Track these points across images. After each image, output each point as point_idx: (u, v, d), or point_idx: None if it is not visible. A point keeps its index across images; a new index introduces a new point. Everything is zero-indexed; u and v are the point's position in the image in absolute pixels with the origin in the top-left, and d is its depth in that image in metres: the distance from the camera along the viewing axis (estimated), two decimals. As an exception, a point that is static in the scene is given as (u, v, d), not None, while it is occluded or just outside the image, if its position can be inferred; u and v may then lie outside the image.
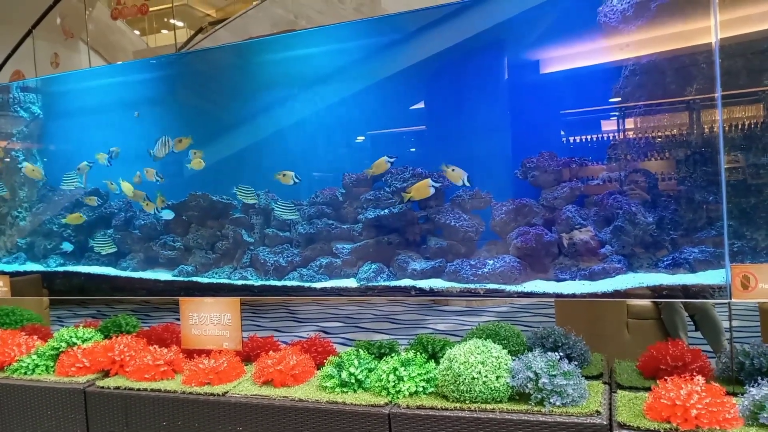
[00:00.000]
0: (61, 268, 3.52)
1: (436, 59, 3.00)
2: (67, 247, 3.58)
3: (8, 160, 3.83)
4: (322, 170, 3.23)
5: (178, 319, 2.73)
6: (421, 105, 3.21)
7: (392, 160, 2.65)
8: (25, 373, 2.61)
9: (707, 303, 3.76)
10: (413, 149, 3.21)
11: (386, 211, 2.90)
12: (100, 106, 3.77)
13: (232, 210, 3.31)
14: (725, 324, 3.83)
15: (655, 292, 2.25)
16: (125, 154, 3.51)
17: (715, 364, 2.05)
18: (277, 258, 3.08)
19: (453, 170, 2.71)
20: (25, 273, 3.48)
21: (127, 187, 3.39)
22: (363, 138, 3.23)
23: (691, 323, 3.90)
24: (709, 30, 2.03)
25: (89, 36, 10.18)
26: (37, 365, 2.62)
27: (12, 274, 3.38)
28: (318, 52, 3.27)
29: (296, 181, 3.00)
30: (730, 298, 1.92)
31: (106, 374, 2.58)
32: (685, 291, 2.20)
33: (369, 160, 3.05)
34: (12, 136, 3.88)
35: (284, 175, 3.05)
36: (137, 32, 12.95)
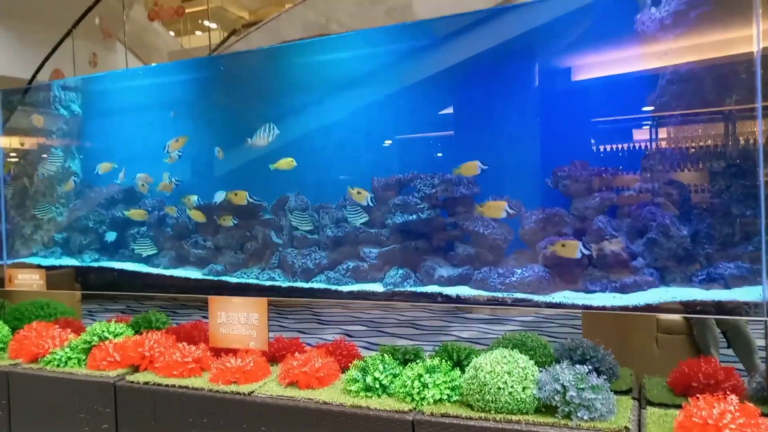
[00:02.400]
0: (95, 264, 3.56)
1: (467, 65, 2.99)
2: (111, 236, 3.64)
3: (47, 156, 3.92)
4: (351, 174, 3.24)
5: (205, 317, 2.75)
6: (450, 110, 3.21)
7: (485, 167, 2.66)
8: (58, 365, 2.68)
9: (741, 320, 3.66)
10: (440, 154, 3.22)
11: (414, 216, 2.90)
12: (136, 105, 3.84)
13: (262, 211, 3.35)
14: (759, 342, 3.73)
15: (688, 307, 2.20)
16: (157, 152, 3.56)
17: (747, 383, 1.98)
18: (305, 260, 3.09)
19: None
20: (60, 267, 3.56)
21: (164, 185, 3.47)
22: (391, 142, 3.24)
23: (723, 340, 3.80)
24: (751, 39, 1.98)
25: (126, 36, 10.44)
26: (69, 358, 2.69)
27: (47, 268, 3.45)
28: (348, 56, 3.29)
29: (251, 200, 3.12)
30: (767, 316, 1.84)
31: (135, 369, 2.63)
32: (719, 307, 2.15)
33: (398, 164, 3.09)
34: (52, 134, 3.98)
35: (236, 194, 3.15)
36: (172, 33, 13.21)
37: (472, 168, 2.67)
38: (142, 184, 3.66)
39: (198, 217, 3.33)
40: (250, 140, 2.95)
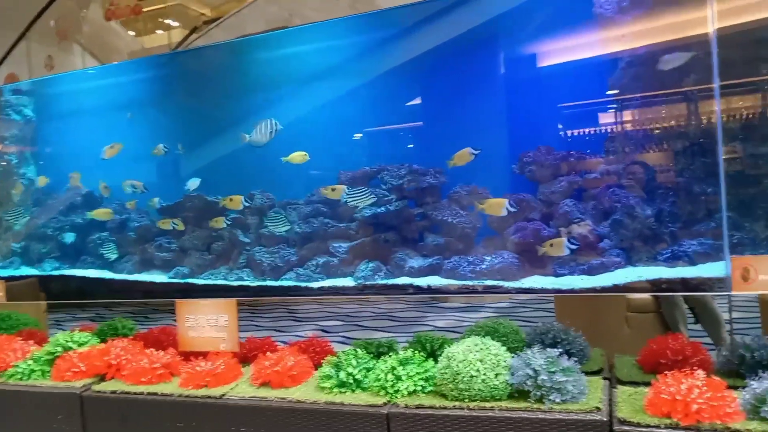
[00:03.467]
0: (56, 272, 3.48)
1: (431, 55, 2.99)
2: (69, 238, 3.53)
3: (4, 163, 3.77)
4: (318, 168, 3.19)
5: (175, 322, 2.71)
6: (417, 101, 3.21)
7: (476, 152, 2.58)
8: (21, 379, 2.59)
9: (707, 296, 3.74)
10: (411, 146, 3.23)
11: (383, 208, 2.91)
12: (93, 107, 3.74)
13: (228, 211, 3.27)
14: (725, 316, 3.81)
15: (655, 285, 2.23)
16: (124, 154, 3.49)
17: (715, 357, 2.03)
18: (274, 258, 3.07)
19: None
20: (19, 278, 3.45)
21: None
22: (360, 135, 3.23)
23: (692, 316, 3.88)
24: (706, 20, 2.02)
25: (84, 38, 10.14)
26: (33, 370, 2.60)
27: (8, 279, 3.35)
28: (312, 49, 3.24)
29: (246, 203, 3.06)
30: (731, 291, 1.89)
31: (102, 378, 2.56)
32: (685, 284, 2.19)
33: (366, 157, 3.09)
34: (5, 140, 3.83)
35: (231, 200, 3.09)
36: (132, 33, 12.91)
37: (464, 156, 2.62)
38: (105, 186, 3.58)
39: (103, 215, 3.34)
40: (249, 136, 2.88)
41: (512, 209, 2.53)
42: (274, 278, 3.00)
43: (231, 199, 3.05)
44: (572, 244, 2.38)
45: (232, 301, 2.62)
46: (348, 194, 2.81)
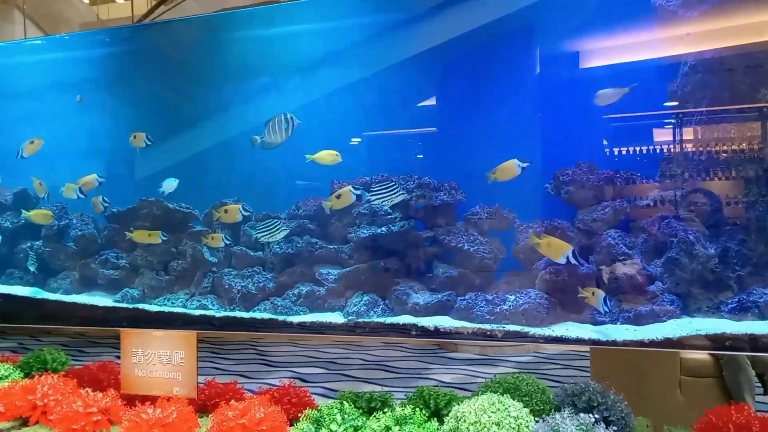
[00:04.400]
0: (-28, 289, 3.44)
1: (449, 47, 3.02)
2: None
3: None
4: (306, 177, 3.25)
5: (119, 357, 2.70)
6: (431, 102, 3.25)
7: (525, 165, 2.60)
8: None
9: (780, 359, 3.73)
10: (420, 156, 3.26)
11: (384, 229, 2.91)
12: (33, 87, 3.75)
13: (192, 222, 3.37)
14: (803, 386, 3.79)
15: (716, 342, 2.22)
16: (64, 148, 3.53)
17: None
18: (246, 283, 3.08)
19: (226, 211, 2.95)
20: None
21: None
22: (359, 140, 3.24)
23: (760, 384, 3.85)
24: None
25: (26, 3, 10.22)
26: (-67, 409, 2.56)
27: None
28: (305, 30, 3.27)
29: (245, 213, 3.10)
30: (812, 354, 1.86)
31: (24, 423, 2.52)
32: (753, 343, 2.17)
33: (364, 166, 3.10)
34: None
35: (226, 211, 3.12)
36: (86, 1, 13.04)
37: (509, 170, 2.62)
38: (39, 184, 3.58)
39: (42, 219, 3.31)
40: (260, 138, 2.89)
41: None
42: (245, 308, 3.01)
43: (226, 210, 3.09)
44: (606, 305, 2.38)
45: (192, 334, 2.60)
46: (372, 191, 2.79)
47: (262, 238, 2.99)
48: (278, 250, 3.12)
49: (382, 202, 2.83)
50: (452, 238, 2.87)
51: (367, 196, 2.84)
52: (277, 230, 2.95)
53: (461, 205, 2.92)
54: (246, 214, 3.13)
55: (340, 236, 3.08)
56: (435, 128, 3.13)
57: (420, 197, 2.90)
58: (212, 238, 3.12)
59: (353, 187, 2.89)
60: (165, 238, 3.22)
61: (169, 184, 3.22)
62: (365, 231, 2.95)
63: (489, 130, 2.95)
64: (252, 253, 3.18)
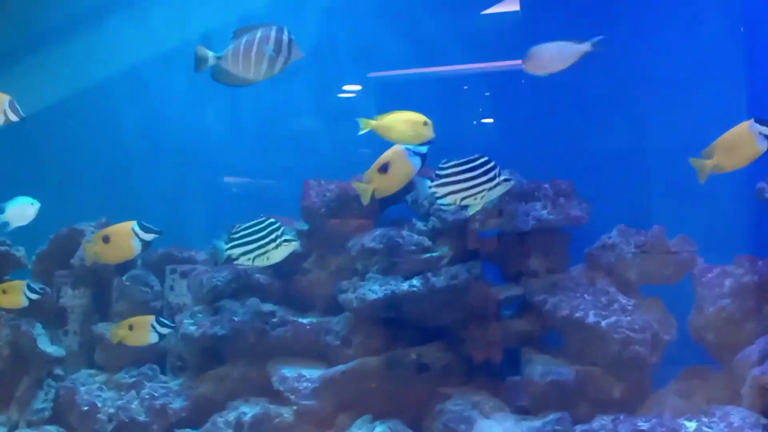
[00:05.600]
0: None
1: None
2: None
3: None
4: (241, 171, 3.07)
5: None
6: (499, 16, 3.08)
7: None
8: None
9: None
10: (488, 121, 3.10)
11: (417, 282, 2.46)
12: None
13: (16, 268, 3.01)
14: None
15: None
16: None
17: None
18: (125, 400, 2.66)
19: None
20: None
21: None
22: (354, 90, 3.09)
23: None
24: None
25: None
26: None
27: None
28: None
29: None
30: None
31: None
32: None
33: (373, 142, 2.59)
34: None
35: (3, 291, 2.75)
36: None
37: (745, 146, 2.20)
38: None
39: None
40: (214, 56, 2.34)
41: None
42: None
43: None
44: None
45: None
46: (440, 176, 2.26)
47: (242, 260, 2.40)
48: (192, 329, 2.65)
49: (463, 197, 2.24)
50: (560, 301, 2.43)
51: (428, 183, 2.30)
52: (273, 241, 2.37)
53: (579, 231, 2.53)
54: (34, 297, 2.71)
55: (323, 297, 2.70)
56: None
57: (496, 214, 2.48)
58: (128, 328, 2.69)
59: (412, 150, 2.34)
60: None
61: (21, 210, 2.80)
62: (377, 287, 2.49)
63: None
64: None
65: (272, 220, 2.44)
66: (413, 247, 2.51)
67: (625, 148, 2.74)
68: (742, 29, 2.77)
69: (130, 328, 2.78)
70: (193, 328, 2.68)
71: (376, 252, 2.55)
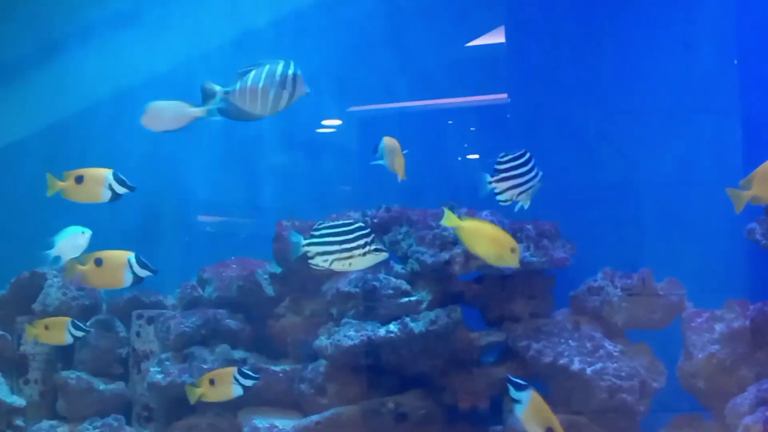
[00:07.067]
0: None
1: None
2: None
3: None
4: (212, 208, 3.00)
5: None
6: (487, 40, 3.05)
7: None
8: None
9: None
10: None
11: (394, 328, 2.41)
12: None
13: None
14: None
15: None
16: None
17: None
18: None
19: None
20: None
21: None
22: (334, 125, 3.03)
23: None
24: None
25: None
26: None
27: None
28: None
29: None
30: None
31: None
32: None
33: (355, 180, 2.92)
34: None
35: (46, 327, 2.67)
36: None
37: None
38: None
39: None
40: (223, 92, 2.23)
41: None
42: None
43: (46, 326, 2.65)
44: None
45: None
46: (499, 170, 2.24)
47: (317, 260, 2.21)
48: (160, 378, 2.59)
49: (519, 192, 2.24)
50: (544, 347, 2.41)
51: (489, 178, 2.23)
52: (362, 247, 2.20)
53: (564, 273, 2.51)
54: (77, 333, 2.62)
55: (297, 343, 2.66)
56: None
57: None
58: (44, 327, 2.67)
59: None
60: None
61: (72, 242, 2.72)
62: (353, 332, 2.44)
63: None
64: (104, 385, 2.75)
65: (361, 224, 2.29)
66: (391, 291, 2.46)
67: (612, 187, 2.71)
68: (735, 62, 2.74)
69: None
70: (160, 376, 2.63)
71: (352, 296, 2.50)
